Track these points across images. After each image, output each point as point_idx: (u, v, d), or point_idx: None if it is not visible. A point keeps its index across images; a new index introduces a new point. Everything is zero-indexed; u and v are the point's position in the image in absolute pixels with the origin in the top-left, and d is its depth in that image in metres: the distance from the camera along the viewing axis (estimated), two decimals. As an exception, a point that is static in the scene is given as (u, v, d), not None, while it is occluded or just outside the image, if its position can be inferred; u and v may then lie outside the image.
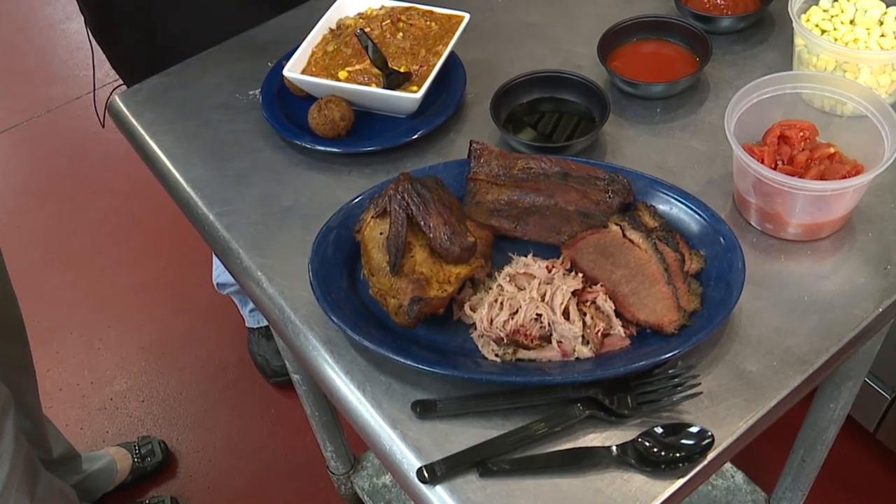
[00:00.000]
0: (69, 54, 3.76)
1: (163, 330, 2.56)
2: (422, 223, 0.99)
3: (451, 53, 1.27)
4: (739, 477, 1.88)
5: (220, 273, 2.23)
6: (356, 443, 1.96)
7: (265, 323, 2.33)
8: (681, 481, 0.86)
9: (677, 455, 0.86)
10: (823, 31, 1.21)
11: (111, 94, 1.41)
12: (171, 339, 2.54)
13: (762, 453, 1.96)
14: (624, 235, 1.02)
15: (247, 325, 2.39)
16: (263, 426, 2.29)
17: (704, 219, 1.03)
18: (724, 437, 0.88)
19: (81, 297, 2.70)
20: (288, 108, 1.28)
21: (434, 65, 1.24)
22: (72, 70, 3.67)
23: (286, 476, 2.19)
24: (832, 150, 1.06)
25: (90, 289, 2.72)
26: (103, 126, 1.49)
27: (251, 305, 2.31)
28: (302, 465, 2.19)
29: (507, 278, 0.99)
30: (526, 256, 1.01)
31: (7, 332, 1.76)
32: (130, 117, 1.35)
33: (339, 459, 1.93)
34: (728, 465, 1.90)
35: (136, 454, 2.18)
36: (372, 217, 1.02)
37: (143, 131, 1.32)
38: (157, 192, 1.34)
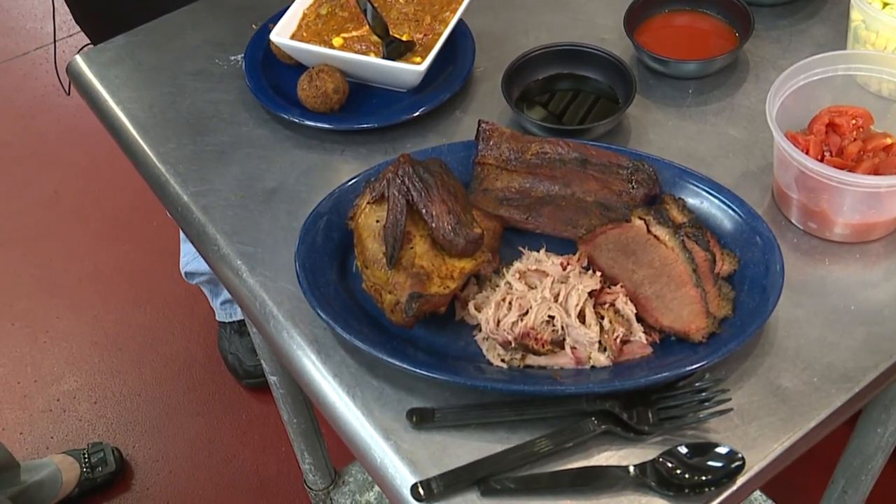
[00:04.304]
0: (13, 3, 3.71)
1: (120, 322, 2.57)
2: (423, 211, 1.01)
3: (460, 22, 1.29)
4: (770, 507, 1.90)
5: (188, 260, 2.25)
6: (337, 455, 1.98)
7: (238, 317, 2.35)
8: (706, 508, 0.88)
9: (703, 478, 0.88)
10: (886, 5, 1.20)
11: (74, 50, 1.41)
12: (129, 334, 2.55)
13: (798, 482, 1.98)
14: (648, 231, 1.04)
15: (217, 319, 2.40)
16: (232, 434, 2.31)
17: (739, 215, 1.05)
18: (756, 460, 0.90)
19: (26, 285, 2.71)
20: (274, 77, 1.30)
21: (440, 34, 1.26)
22: (16, 21, 3.63)
23: (257, 491, 2.20)
24: (889, 140, 1.07)
25: (36, 275, 2.73)
26: (65, 89, 1.49)
27: (223, 297, 2.33)
28: (275, 478, 2.21)
29: (517, 275, 1.01)
30: (538, 251, 1.03)
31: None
32: (94, 80, 1.37)
33: (318, 473, 1.95)
34: (757, 493, 1.92)
35: (85, 463, 2.18)
36: (367, 203, 1.03)
37: (108, 97, 1.34)
38: (118, 166, 1.36)
